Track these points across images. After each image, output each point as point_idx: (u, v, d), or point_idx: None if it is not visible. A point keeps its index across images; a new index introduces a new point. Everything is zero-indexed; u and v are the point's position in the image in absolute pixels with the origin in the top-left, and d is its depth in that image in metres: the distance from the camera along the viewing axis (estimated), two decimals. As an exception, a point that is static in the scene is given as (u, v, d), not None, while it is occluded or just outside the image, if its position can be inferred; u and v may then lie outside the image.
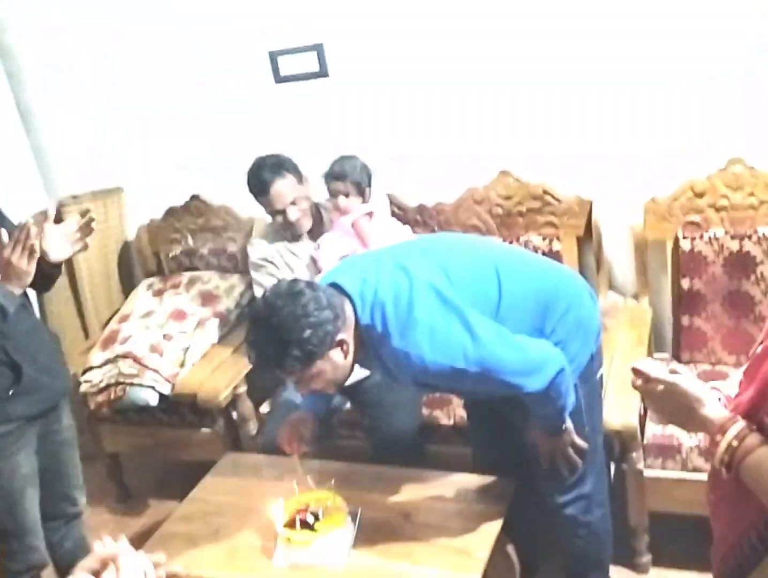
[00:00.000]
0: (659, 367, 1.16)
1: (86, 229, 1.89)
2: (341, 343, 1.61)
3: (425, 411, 2.44)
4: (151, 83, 3.02)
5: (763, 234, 2.33)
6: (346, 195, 2.44)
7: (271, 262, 2.52)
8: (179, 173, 3.09)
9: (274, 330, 1.55)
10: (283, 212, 2.45)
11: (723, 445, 1.06)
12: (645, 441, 2.13)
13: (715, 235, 2.39)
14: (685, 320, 2.45)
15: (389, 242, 1.98)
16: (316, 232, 2.53)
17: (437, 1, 2.53)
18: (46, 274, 1.86)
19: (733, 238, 2.37)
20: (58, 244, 1.84)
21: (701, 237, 2.40)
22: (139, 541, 1.86)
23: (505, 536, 1.87)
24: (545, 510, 2.00)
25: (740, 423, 1.07)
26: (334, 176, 2.44)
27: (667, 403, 1.15)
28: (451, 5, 2.52)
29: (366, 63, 2.70)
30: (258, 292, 2.49)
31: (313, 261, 2.45)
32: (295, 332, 1.54)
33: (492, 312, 1.69)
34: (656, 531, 2.22)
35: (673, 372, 1.14)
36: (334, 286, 1.67)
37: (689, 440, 2.09)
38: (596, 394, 1.93)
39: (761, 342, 1.16)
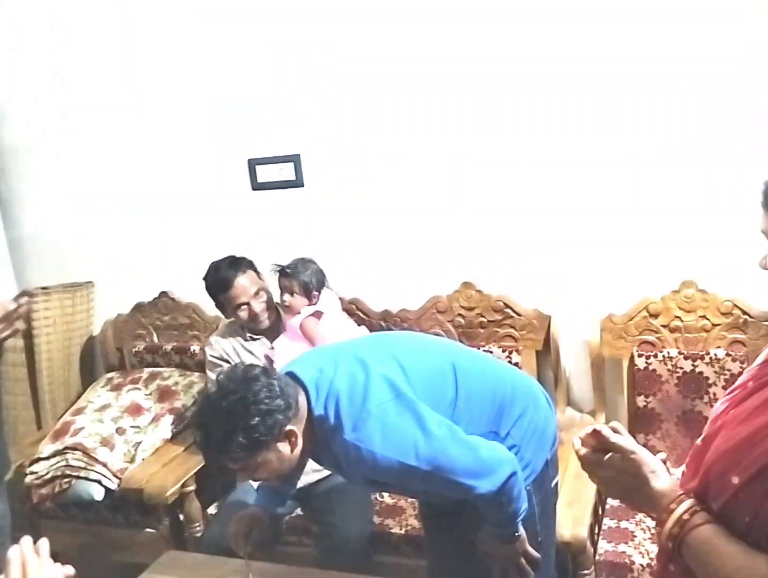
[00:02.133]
0: (617, 435, 1.15)
1: (12, 316, 1.80)
2: (290, 435, 1.59)
3: (377, 519, 2.38)
4: (128, 179, 3.11)
5: (715, 355, 2.38)
6: (292, 293, 2.50)
7: (227, 361, 2.52)
8: (150, 269, 3.14)
9: (222, 414, 1.53)
10: (246, 304, 2.48)
11: (674, 518, 1.05)
12: (597, 558, 2.08)
13: (669, 355, 2.44)
14: (640, 438, 2.45)
15: (342, 340, 2.00)
16: (273, 331, 2.55)
17: (405, 118, 2.68)
18: None
19: (686, 358, 2.42)
20: None
21: (656, 356, 2.45)
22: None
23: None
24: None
25: (691, 500, 1.06)
26: (283, 273, 2.52)
27: (618, 473, 1.12)
28: (417, 118, 2.66)
29: (339, 175, 2.82)
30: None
31: (269, 360, 2.46)
32: (243, 418, 1.52)
33: (447, 410, 1.69)
34: None
35: (614, 430, 1.12)
36: (291, 375, 1.67)
37: (641, 558, 2.05)
38: (550, 503, 1.90)
39: (702, 435, 1.18)
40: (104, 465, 2.55)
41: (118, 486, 2.54)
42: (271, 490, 1.98)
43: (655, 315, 2.50)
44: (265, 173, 2.95)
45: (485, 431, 1.70)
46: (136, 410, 2.77)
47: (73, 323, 3.17)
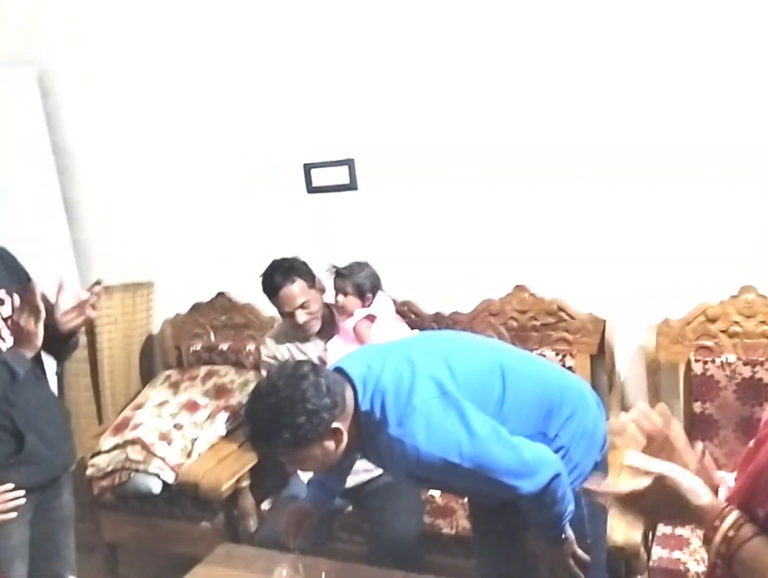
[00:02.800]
0: (648, 461, 1.15)
1: (85, 304, 1.85)
2: (335, 432, 1.61)
3: (428, 519, 2.39)
4: (188, 182, 3.20)
5: (776, 361, 2.33)
6: (345, 294, 2.53)
7: (281, 361, 2.55)
8: (208, 271, 3.22)
9: (270, 411, 1.57)
10: (292, 314, 2.50)
11: (719, 535, 1.03)
12: (650, 564, 2.05)
13: (727, 360, 2.39)
14: (696, 445, 2.41)
15: None
16: (327, 332, 2.58)
17: (460, 124, 2.69)
18: (59, 343, 1.90)
19: (745, 364, 2.37)
20: (68, 313, 1.84)
21: (713, 361, 2.41)
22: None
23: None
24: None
25: (736, 513, 1.04)
26: (338, 274, 2.56)
27: (659, 498, 1.13)
28: (472, 123, 2.67)
29: (392, 179, 2.85)
30: None
31: (322, 361, 2.50)
32: (290, 416, 1.56)
33: (494, 411, 1.70)
34: None
35: (663, 415, 1.11)
36: (340, 370, 1.70)
37: (696, 566, 2.02)
38: (600, 505, 1.88)
39: (755, 438, 1.16)
40: (162, 459, 2.62)
41: (175, 480, 2.60)
42: (322, 486, 2.02)
43: (713, 320, 2.46)
44: (320, 177, 3.00)
45: (533, 433, 1.71)
46: (193, 407, 2.83)
47: (133, 322, 3.27)
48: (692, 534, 2.14)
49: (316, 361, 2.50)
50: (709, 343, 2.46)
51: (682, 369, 2.49)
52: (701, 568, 2.00)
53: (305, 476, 2.25)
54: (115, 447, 2.71)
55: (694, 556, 2.05)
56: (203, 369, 3.04)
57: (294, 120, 2.95)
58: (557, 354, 2.64)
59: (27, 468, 1.88)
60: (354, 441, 1.67)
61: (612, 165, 2.52)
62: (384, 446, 1.64)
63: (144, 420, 2.78)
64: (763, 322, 2.40)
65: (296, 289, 2.49)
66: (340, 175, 2.95)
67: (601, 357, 2.61)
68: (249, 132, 3.04)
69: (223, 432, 2.77)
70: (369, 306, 2.55)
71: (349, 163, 2.92)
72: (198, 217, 3.21)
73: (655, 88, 2.41)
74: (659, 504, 1.12)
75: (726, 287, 2.44)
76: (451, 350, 1.79)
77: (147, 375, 3.32)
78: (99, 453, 2.73)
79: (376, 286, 2.58)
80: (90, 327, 3.14)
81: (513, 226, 2.69)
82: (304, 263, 2.57)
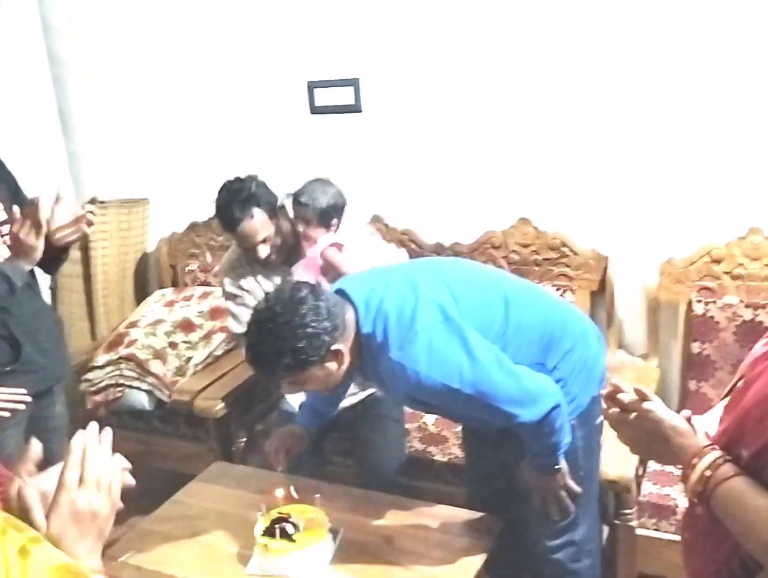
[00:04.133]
0: (631, 396, 1.13)
1: (81, 220, 1.82)
2: (337, 353, 1.61)
3: (420, 446, 2.41)
4: (189, 101, 3.10)
5: (778, 305, 2.32)
6: (307, 223, 2.28)
7: (248, 291, 2.35)
8: (206, 190, 3.13)
9: (270, 336, 1.56)
10: (252, 249, 2.27)
11: (695, 475, 1.03)
12: (640, 498, 2.08)
13: (729, 302, 2.38)
14: (692, 385, 2.42)
15: (380, 264, 1.96)
16: (294, 258, 2.37)
17: (471, 48, 2.60)
18: (51, 257, 1.86)
19: (747, 306, 2.35)
20: (63, 228, 1.81)
21: (715, 302, 2.39)
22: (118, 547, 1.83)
23: (488, 576, 1.81)
24: (532, 555, 1.94)
25: (715, 453, 1.03)
26: (296, 201, 2.29)
27: (640, 432, 1.11)
28: (485, 50, 2.58)
29: (398, 101, 2.77)
30: (232, 325, 2.36)
31: None
32: (290, 341, 1.55)
33: (496, 338, 1.68)
34: (644, 595, 2.15)
35: (640, 394, 1.11)
36: (342, 292, 1.68)
37: (686, 502, 2.04)
38: (595, 439, 1.89)
39: (741, 377, 1.14)
40: (156, 376, 2.61)
41: (169, 397, 2.60)
42: (314, 410, 2.02)
43: (718, 261, 2.43)
44: (323, 97, 2.91)
45: (532, 362, 1.70)
46: (188, 326, 2.82)
47: (128, 238, 3.22)
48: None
49: None
50: (712, 284, 2.44)
51: (682, 309, 2.47)
52: (690, 504, 2.03)
53: (295, 399, 2.23)
54: (109, 363, 2.70)
55: (684, 493, 2.07)
56: (198, 290, 3.01)
57: (298, 35, 2.84)
58: (558, 290, 2.62)
59: (23, 376, 1.89)
60: (355, 363, 1.66)
61: (618, 97, 2.45)
62: (384, 369, 1.64)
63: (138, 337, 2.76)
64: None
65: (257, 223, 2.23)
66: (345, 96, 2.86)
67: (601, 295, 2.59)
68: (250, 46, 2.93)
69: (219, 353, 2.76)
70: (335, 231, 2.32)
71: (354, 83, 2.82)
72: (196, 135, 3.13)
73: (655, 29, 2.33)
74: (640, 439, 1.12)
75: (733, 228, 2.40)
76: (455, 276, 1.76)
77: (141, 294, 3.29)
78: (92, 368, 2.72)
79: (341, 208, 2.32)
80: (84, 242, 3.09)
81: (520, 158, 2.62)
82: (262, 185, 2.30)
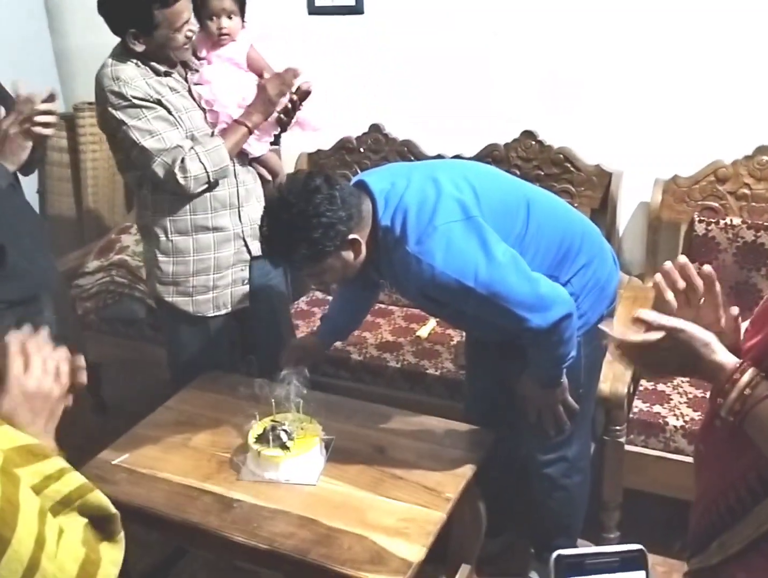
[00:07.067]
0: (662, 316, 1.10)
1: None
2: (353, 243, 1.60)
3: (413, 359, 2.41)
4: None
5: (781, 227, 2.28)
6: (230, 15, 1.99)
7: (158, 102, 1.97)
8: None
9: (284, 227, 1.55)
10: (179, 30, 1.92)
11: (735, 393, 1.01)
12: (630, 415, 2.10)
13: (731, 223, 2.34)
14: (687, 306, 2.40)
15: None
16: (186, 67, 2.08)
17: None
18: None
19: (749, 227, 2.32)
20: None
21: (717, 223, 2.36)
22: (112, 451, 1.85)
23: (478, 490, 1.84)
24: (524, 469, 1.97)
25: (752, 370, 1.02)
26: None
27: (671, 351, 1.09)
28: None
29: (402, 4, 2.64)
30: (153, 143, 1.94)
31: (199, 96, 2.05)
32: (305, 231, 1.54)
33: (515, 242, 1.66)
34: (628, 509, 2.19)
35: (707, 278, 1.07)
36: (362, 184, 1.65)
37: (675, 420, 2.06)
38: (598, 359, 1.88)
39: None
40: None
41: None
42: (334, 325, 2.02)
43: (723, 181, 2.39)
44: (323, -4, 2.77)
45: (546, 274, 1.67)
46: (180, 235, 2.75)
47: (118, 142, 3.12)
48: (674, 391, 2.18)
49: (190, 99, 2.06)
50: (715, 204, 2.40)
51: (683, 228, 2.45)
52: (680, 422, 2.05)
53: None
54: (100, 269, 2.66)
55: (674, 412, 2.09)
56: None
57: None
58: (558, 206, 2.57)
59: (7, 283, 1.82)
60: (372, 255, 1.65)
61: (632, 9, 2.35)
62: (400, 263, 1.61)
63: (130, 244, 2.71)
64: (773, 186, 2.33)
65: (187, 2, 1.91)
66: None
67: (602, 212, 2.55)
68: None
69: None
70: (244, 27, 2.06)
71: (356, -19, 2.69)
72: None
73: None
74: (670, 358, 1.09)
75: (741, 146, 2.34)
76: (479, 176, 1.72)
77: (132, 200, 3.21)
78: (83, 274, 2.68)
79: None
80: (74, 145, 3.01)
81: (526, 68, 2.54)
82: None
